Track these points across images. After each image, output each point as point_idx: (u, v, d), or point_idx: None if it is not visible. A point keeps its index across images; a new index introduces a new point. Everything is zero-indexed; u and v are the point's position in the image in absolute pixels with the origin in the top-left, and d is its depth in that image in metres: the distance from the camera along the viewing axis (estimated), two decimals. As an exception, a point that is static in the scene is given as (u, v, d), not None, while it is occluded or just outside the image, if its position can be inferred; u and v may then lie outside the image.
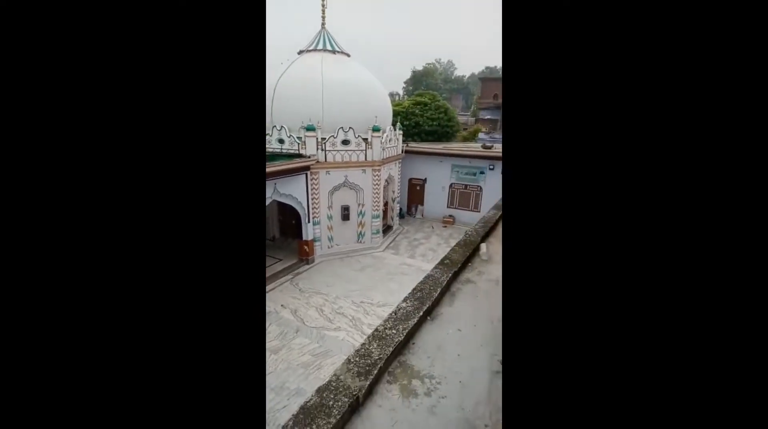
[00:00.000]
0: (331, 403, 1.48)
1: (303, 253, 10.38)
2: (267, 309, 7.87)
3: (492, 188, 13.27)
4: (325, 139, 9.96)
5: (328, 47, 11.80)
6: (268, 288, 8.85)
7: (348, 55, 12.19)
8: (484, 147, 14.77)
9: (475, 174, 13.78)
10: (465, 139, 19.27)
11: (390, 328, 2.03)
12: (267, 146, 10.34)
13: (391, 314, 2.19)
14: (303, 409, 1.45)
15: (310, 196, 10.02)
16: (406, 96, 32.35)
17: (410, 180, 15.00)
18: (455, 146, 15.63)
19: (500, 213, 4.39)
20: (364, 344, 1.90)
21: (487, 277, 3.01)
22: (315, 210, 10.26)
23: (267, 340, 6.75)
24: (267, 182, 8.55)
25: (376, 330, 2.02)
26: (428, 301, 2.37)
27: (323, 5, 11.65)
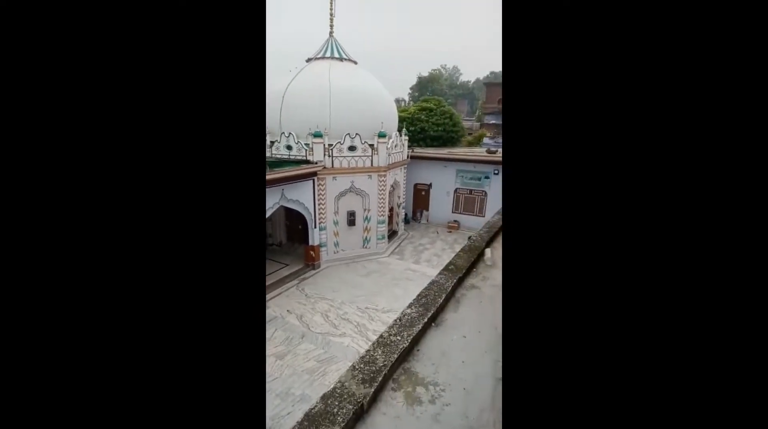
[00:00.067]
0: (335, 410, 1.48)
1: (309, 259, 10.42)
2: (273, 314, 7.90)
3: (497, 193, 13.20)
4: (332, 145, 10.05)
5: (336, 55, 11.96)
6: (274, 293, 8.89)
7: (355, 63, 12.33)
8: (489, 152, 14.75)
9: (479, 179, 13.75)
10: (470, 144, 19.28)
11: (395, 335, 2.04)
12: (275, 153, 10.47)
13: (395, 320, 2.20)
14: (307, 416, 1.46)
15: (316, 202, 10.09)
16: (411, 102, 32.51)
17: (415, 185, 15.01)
18: (460, 151, 15.64)
19: (506, 219, 4.35)
20: (368, 351, 1.90)
21: (492, 282, 3.00)
22: (321, 215, 10.32)
23: (273, 345, 6.77)
24: (275, 188, 8.64)
25: (381, 336, 2.03)
26: (433, 308, 2.37)
27: (331, 14, 11.83)
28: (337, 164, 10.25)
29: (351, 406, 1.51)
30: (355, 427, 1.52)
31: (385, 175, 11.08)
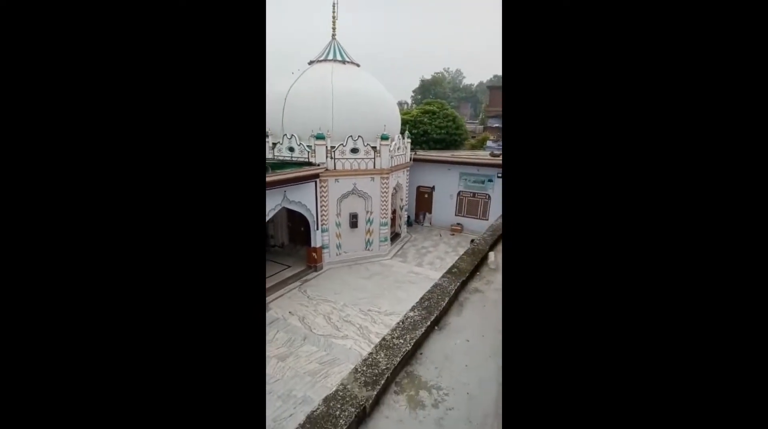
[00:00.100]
0: (337, 413, 1.47)
1: (311, 260, 10.42)
2: (275, 315, 7.89)
3: (500, 196, 13.10)
4: (334, 147, 10.06)
5: (338, 57, 12.00)
6: (276, 294, 8.89)
7: (358, 65, 12.37)
8: (493, 155, 14.72)
9: (483, 182, 13.72)
10: (473, 147, 19.26)
11: (397, 338, 2.02)
12: (278, 154, 10.50)
13: (398, 323, 2.19)
14: (309, 418, 1.45)
15: (319, 204, 10.10)
16: (414, 105, 32.55)
17: (418, 188, 15.00)
18: (463, 154, 15.62)
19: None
20: (371, 353, 1.89)
21: (496, 286, 2.98)
22: (324, 217, 10.33)
23: (274, 347, 6.76)
24: (277, 190, 8.66)
25: (384, 339, 2.02)
26: (436, 311, 2.35)
27: (334, 17, 11.90)
28: (339, 166, 10.26)
29: (353, 409, 1.50)
30: (357, 430, 1.51)
31: (387, 178, 11.08)
